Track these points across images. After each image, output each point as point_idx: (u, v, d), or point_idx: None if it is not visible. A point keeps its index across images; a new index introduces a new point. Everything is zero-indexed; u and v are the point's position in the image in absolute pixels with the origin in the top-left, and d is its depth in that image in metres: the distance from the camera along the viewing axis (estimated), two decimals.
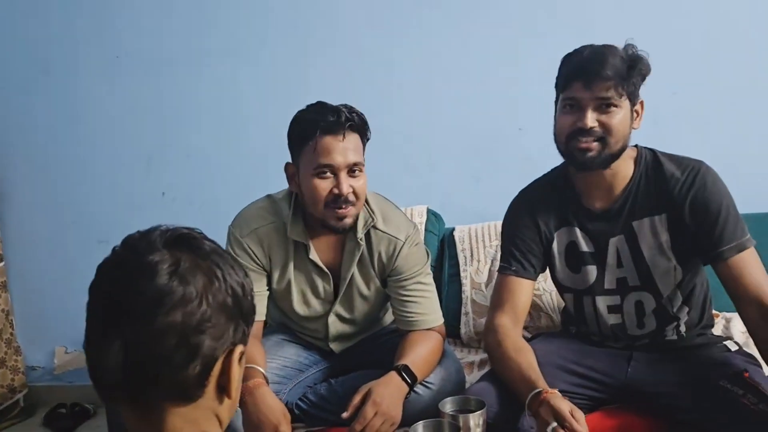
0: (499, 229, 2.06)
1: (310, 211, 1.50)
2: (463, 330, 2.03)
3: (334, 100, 2.32)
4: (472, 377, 1.67)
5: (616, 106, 1.34)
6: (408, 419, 1.39)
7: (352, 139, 1.44)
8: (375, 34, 2.34)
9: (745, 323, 1.36)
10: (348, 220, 1.48)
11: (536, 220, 1.51)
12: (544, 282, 1.89)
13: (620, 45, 1.37)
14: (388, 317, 1.76)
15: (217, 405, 0.74)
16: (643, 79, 1.37)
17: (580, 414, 1.21)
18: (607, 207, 1.45)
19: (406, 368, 1.45)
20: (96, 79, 2.49)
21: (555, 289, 1.64)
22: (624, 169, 1.43)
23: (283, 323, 1.73)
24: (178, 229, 0.75)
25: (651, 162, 1.44)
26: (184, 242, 0.73)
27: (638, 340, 1.48)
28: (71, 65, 2.49)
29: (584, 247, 1.47)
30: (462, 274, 2.09)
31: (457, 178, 2.34)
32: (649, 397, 1.40)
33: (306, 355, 1.69)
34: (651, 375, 1.42)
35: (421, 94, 2.34)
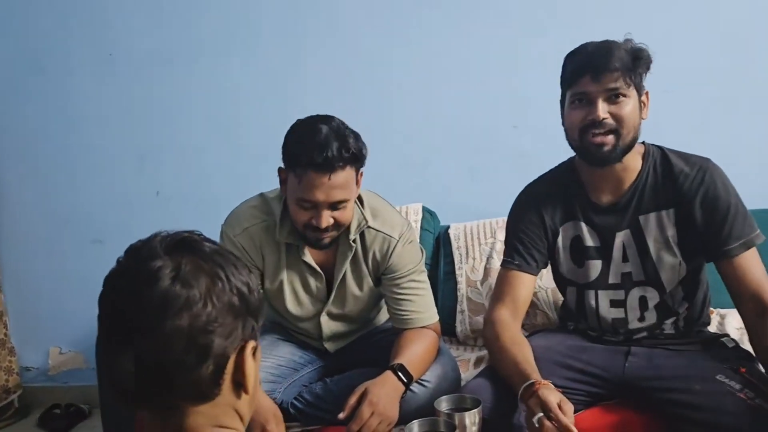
0: (495, 226, 2.10)
1: None
2: (459, 328, 2.03)
3: (330, 99, 2.34)
4: (467, 375, 1.67)
5: (625, 96, 1.35)
6: (404, 418, 1.39)
7: (341, 176, 1.37)
8: (371, 33, 2.34)
9: (743, 319, 1.39)
10: (326, 241, 1.47)
11: (542, 214, 1.51)
12: (541, 279, 1.89)
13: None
14: (383, 316, 1.76)
15: (235, 400, 0.76)
16: (647, 69, 1.39)
17: (569, 407, 1.21)
18: (614, 201, 1.46)
19: (402, 367, 1.45)
20: (89, 78, 2.48)
21: (551, 286, 1.65)
22: (632, 163, 1.44)
23: (278, 323, 1.72)
24: (179, 233, 0.76)
25: (659, 158, 1.45)
26: (185, 246, 0.74)
27: (636, 333, 1.49)
28: (64, 64, 2.48)
29: (589, 241, 1.48)
30: (457, 271, 2.09)
31: (452, 175, 2.35)
32: (647, 392, 1.40)
33: (301, 354, 1.69)
34: (649, 370, 1.42)
35: (417, 93, 2.34)
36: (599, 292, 1.49)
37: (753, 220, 1.41)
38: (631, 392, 1.43)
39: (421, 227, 2.14)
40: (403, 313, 1.57)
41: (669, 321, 1.48)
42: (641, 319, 1.48)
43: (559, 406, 1.19)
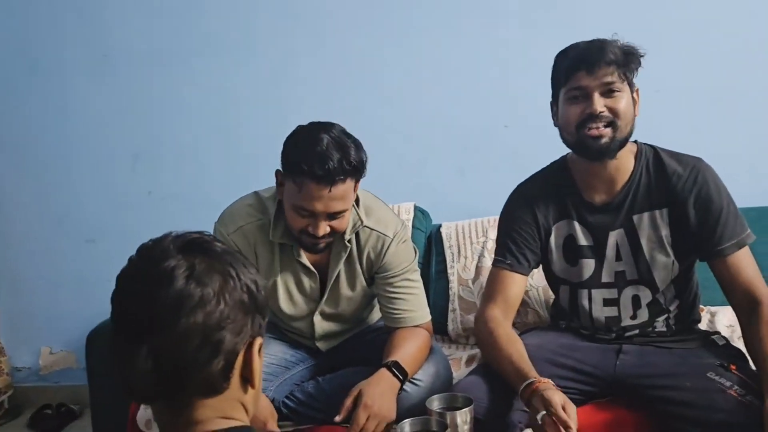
0: (486, 225, 2.10)
1: None
2: (450, 326, 2.03)
3: (324, 99, 2.35)
4: (459, 374, 1.67)
5: (619, 90, 1.37)
6: (396, 416, 1.39)
7: (341, 188, 1.36)
8: (363, 33, 2.34)
9: (737, 315, 1.41)
10: (322, 246, 1.47)
11: (535, 213, 1.51)
12: (532, 278, 1.89)
13: None
14: (375, 315, 1.75)
15: (242, 394, 0.78)
16: (638, 66, 1.40)
17: (572, 408, 1.21)
18: (607, 200, 1.46)
19: (396, 364, 1.45)
20: (84, 78, 2.48)
21: (543, 284, 1.66)
22: (625, 162, 1.44)
23: (270, 321, 1.72)
24: (189, 233, 0.79)
25: (651, 157, 1.46)
26: (196, 246, 0.77)
27: (629, 331, 1.50)
28: (58, 63, 2.48)
29: (582, 240, 1.49)
30: (449, 270, 2.09)
31: (444, 175, 2.35)
32: (639, 390, 1.41)
33: (292, 353, 1.68)
34: (640, 368, 1.43)
35: (409, 93, 2.34)
36: (592, 291, 1.49)
37: (744, 219, 1.42)
38: (623, 390, 1.44)
39: (413, 226, 2.14)
40: (395, 311, 1.57)
41: (661, 319, 1.49)
42: (633, 317, 1.49)
43: (563, 407, 1.20)
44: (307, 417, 1.54)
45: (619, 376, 1.44)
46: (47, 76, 2.48)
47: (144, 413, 1.63)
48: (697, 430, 1.28)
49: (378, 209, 1.58)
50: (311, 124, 1.42)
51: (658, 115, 2.11)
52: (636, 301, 1.48)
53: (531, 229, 1.51)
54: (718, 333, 1.53)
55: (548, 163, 1.58)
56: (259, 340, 0.78)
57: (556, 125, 1.46)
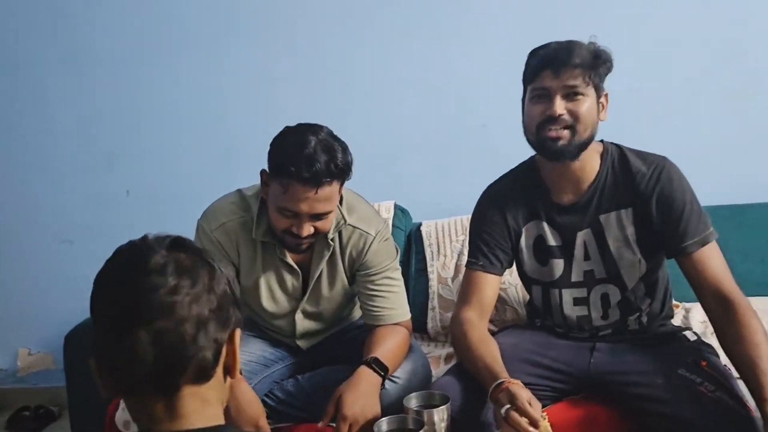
0: (466, 224, 2.11)
1: None
2: (430, 324, 2.05)
3: (301, 99, 2.34)
4: (438, 371, 1.68)
5: (583, 94, 1.37)
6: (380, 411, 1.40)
7: (327, 190, 1.37)
8: (340, 31, 2.34)
9: (705, 312, 1.41)
10: (304, 247, 1.47)
11: (504, 214, 1.52)
12: (510, 276, 1.91)
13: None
14: (356, 314, 1.76)
15: (222, 385, 0.82)
16: (608, 71, 1.41)
17: (537, 404, 1.23)
18: (574, 201, 1.47)
19: (377, 360, 1.46)
20: (58, 77, 2.45)
21: (520, 282, 1.67)
22: (591, 163, 1.45)
23: (249, 319, 1.72)
24: (169, 235, 0.82)
25: (617, 157, 1.47)
26: (180, 244, 0.80)
27: (602, 330, 1.52)
28: (32, 61, 2.45)
29: (552, 240, 1.50)
30: (429, 269, 2.10)
31: (423, 173, 2.36)
32: (612, 387, 1.43)
33: (272, 351, 1.68)
34: (613, 365, 1.45)
35: (389, 92, 2.35)
36: (563, 290, 1.51)
37: (707, 217, 1.43)
38: (597, 387, 1.46)
39: (393, 225, 2.15)
40: (375, 309, 1.58)
41: (632, 318, 1.51)
42: (605, 317, 1.50)
43: (528, 403, 1.21)
44: (287, 415, 1.55)
45: (592, 374, 1.46)
46: (21, 75, 2.45)
47: (122, 414, 1.62)
48: (669, 425, 1.31)
49: (360, 207, 1.59)
50: (299, 125, 1.42)
51: (632, 114, 2.15)
52: (605, 299, 1.49)
53: (501, 230, 1.52)
54: (689, 329, 1.56)
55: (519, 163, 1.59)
56: (238, 332, 0.83)
57: (523, 122, 1.46)
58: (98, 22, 2.42)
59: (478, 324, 1.46)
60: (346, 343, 1.68)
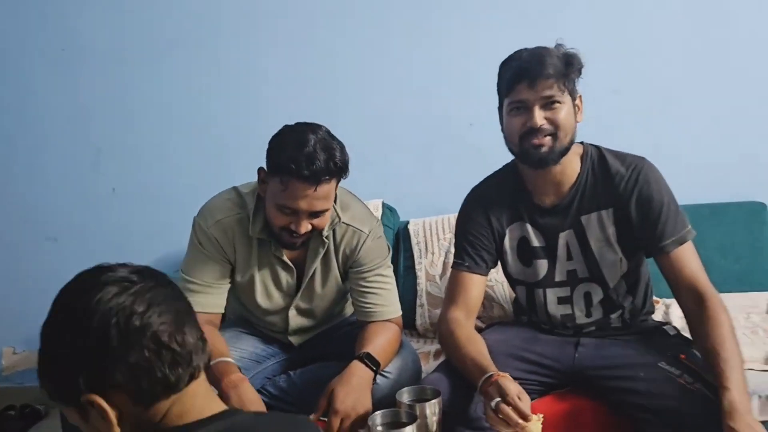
0: (453, 222, 2.13)
1: None
2: (418, 321, 2.08)
3: (289, 96, 2.35)
4: (428, 367, 1.72)
5: (559, 102, 1.40)
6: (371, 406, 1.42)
7: (325, 188, 1.41)
8: (329, 29, 2.36)
9: (682, 309, 1.45)
10: (300, 244, 1.50)
11: (489, 216, 1.56)
12: (496, 273, 1.95)
13: (565, 42, 1.44)
14: (347, 310, 1.79)
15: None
16: (579, 74, 1.44)
17: (526, 397, 1.26)
18: (556, 203, 1.51)
19: (369, 355, 1.48)
20: (44, 73, 2.44)
21: (506, 280, 1.70)
22: (571, 165, 1.49)
23: (242, 317, 1.74)
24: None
25: (597, 158, 1.50)
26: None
27: (586, 328, 1.56)
28: (18, 58, 2.43)
29: (535, 242, 1.53)
30: (417, 266, 2.14)
31: (411, 173, 2.39)
32: (596, 381, 1.47)
33: (264, 348, 1.70)
34: (597, 360, 1.49)
35: (375, 91, 2.36)
36: (547, 290, 1.55)
37: (685, 216, 1.47)
38: (581, 381, 1.50)
39: (381, 223, 2.17)
40: (367, 305, 1.60)
41: (615, 315, 1.55)
42: (588, 314, 1.54)
43: (518, 397, 1.24)
44: (279, 411, 1.56)
45: (577, 368, 1.50)
46: (6, 71, 2.43)
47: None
48: (649, 416, 1.35)
49: (354, 206, 1.62)
50: (297, 124, 1.45)
51: (613, 114, 2.20)
52: (588, 298, 1.53)
53: (486, 232, 1.56)
54: (669, 323, 1.60)
55: (503, 165, 1.62)
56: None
57: (503, 131, 1.49)
58: (86, 19, 2.40)
59: (465, 323, 1.49)
60: (337, 339, 1.71)
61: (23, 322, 2.54)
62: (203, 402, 0.80)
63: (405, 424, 1.25)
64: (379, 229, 1.64)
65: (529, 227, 1.54)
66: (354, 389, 1.42)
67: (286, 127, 1.46)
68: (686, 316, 1.43)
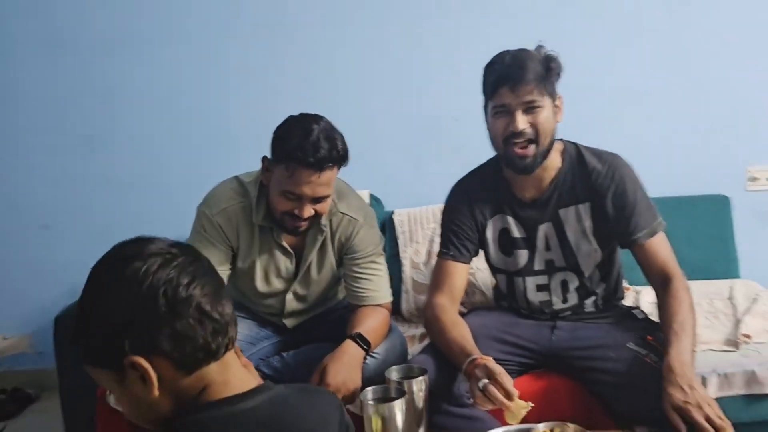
0: (437, 212, 2.21)
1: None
2: (404, 306, 2.16)
3: (278, 88, 2.40)
4: (414, 349, 1.80)
5: (540, 106, 1.48)
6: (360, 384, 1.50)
7: (328, 174, 1.49)
8: (317, 22, 2.40)
9: (655, 292, 1.56)
10: (302, 229, 1.57)
11: (472, 208, 1.64)
12: (478, 261, 2.02)
13: (545, 41, 1.52)
14: (340, 295, 1.86)
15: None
16: (558, 76, 1.52)
17: (509, 378, 1.34)
18: (536, 197, 1.60)
19: (360, 335, 1.57)
20: (37, 61, 2.45)
21: (488, 268, 1.79)
22: (552, 162, 1.57)
23: (238, 302, 1.79)
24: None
25: (575, 155, 1.59)
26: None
27: (562, 313, 1.65)
28: (11, 46, 2.44)
29: (516, 233, 1.62)
30: (402, 254, 2.21)
31: (397, 164, 2.45)
32: (571, 361, 1.57)
33: (258, 330, 1.77)
34: (572, 341, 1.59)
35: (363, 84, 2.42)
36: (526, 278, 1.64)
37: (656, 209, 1.57)
38: (557, 361, 1.60)
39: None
40: (360, 290, 1.68)
41: (589, 301, 1.65)
42: (564, 300, 1.64)
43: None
44: None
45: (553, 349, 1.60)
46: None
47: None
48: (618, 393, 1.45)
49: (349, 196, 1.70)
50: (301, 115, 1.53)
51: (587, 110, 2.28)
52: (564, 285, 1.63)
53: (470, 223, 1.64)
54: (638, 308, 1.71)
55: (487, 159, 1.69)
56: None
57: (488, 129, 1.57)
58: (78, 8, 2.41)
59: (449, 308, 1.57)
60: (329, 323, 1.78)
61: (14, 307, 2.56)
62: (241, 374, 0.84)
63: (394, 399, 1.33)
64: (372, 219, 1.72)
65: (510, 219, 1.62)
66: (345, 366, 1.50)
67: (290, 117, 1.53)
68: (657, 297, 1.54)
